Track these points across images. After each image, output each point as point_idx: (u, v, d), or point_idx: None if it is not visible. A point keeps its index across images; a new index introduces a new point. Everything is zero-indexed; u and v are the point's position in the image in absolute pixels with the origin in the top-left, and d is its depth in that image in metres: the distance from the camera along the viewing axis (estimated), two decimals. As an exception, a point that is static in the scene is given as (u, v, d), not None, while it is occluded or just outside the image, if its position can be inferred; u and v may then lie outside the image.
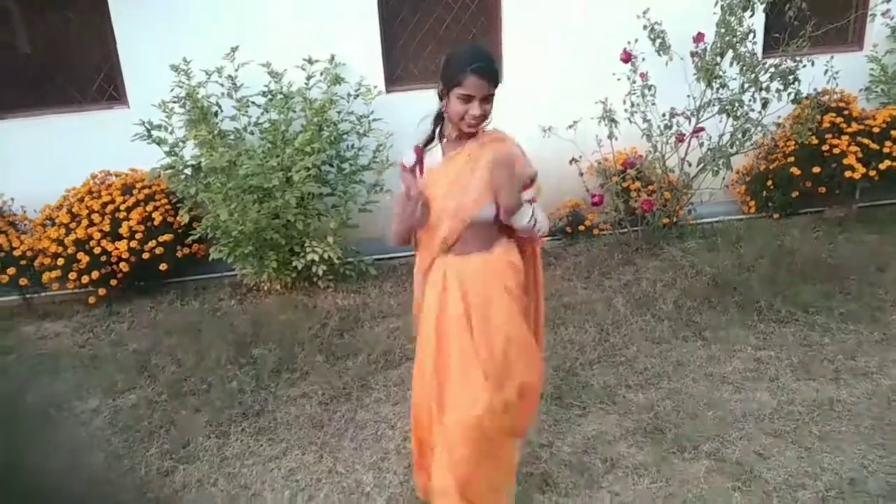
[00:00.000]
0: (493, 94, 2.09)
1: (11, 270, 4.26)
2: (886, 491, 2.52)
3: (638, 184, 4.86)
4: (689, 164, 4.70)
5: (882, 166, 4.72)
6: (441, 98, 2.15)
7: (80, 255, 4.20)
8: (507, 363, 2.18)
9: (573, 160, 4.74)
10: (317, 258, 4.25)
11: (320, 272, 4.32)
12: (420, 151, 2.22)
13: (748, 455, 2.74)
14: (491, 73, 2.06)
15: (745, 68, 4.37)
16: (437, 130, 2.24)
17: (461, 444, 2.15)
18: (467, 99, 2.06)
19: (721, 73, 4.41)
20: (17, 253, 4.32)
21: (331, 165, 4.55)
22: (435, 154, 2.22)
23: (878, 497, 2.50)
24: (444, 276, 2.22)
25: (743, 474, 2.64)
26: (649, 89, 4.50)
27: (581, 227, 5.01)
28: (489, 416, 2.14)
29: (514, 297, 2.23)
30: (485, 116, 2.11)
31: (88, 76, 4.84)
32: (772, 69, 4.37)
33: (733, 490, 2.57)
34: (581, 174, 4.87)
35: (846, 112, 4.93)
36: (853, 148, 4.76)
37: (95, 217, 4.28)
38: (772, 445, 2.79)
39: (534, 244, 2.39)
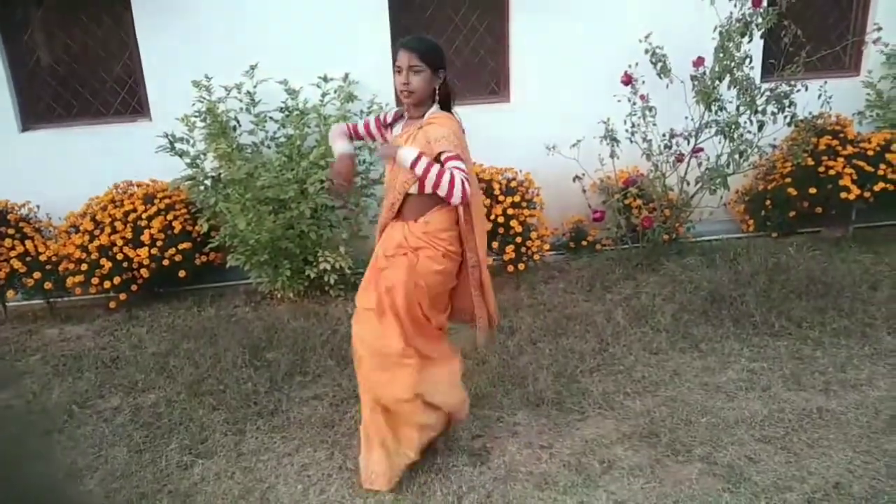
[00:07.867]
0: (422, 70, 2.51)
1: (37, 275, 4.42)
2: (870, 494, 2.65)
3: (639, 201, 5.01)
4: (688, 183, 4.87)
5: (876, 188, 4.86)
6: None
7: (103, 261, 4.37)
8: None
9: (576, 178, 4.93)
10: (329, 267, 4.42)
11: (332, 281, 4.49)
12: (397, 116, 2.81)
13: (739, 459, 2.88)
14: (413, 47, 2.51)
15: (741, 92, 4.55)
16: (404, 109, 2.75)
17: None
18: (399, 71, 2.53)
19: (719, 96, 4.59)
20: (42, 258, 4.49)
21: (343, 179, 4.73)
22: (398, 127, 2.79)
23: (862, 500, 2.63)
24: (386, 234, 2.75)
25: (733, 477, 2.78)
26: (650, 111, 4.68)
27: (584, 243, 5.17)
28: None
29: (407, 260, 2.65)
30: (410, 87, 2.52)
31: (113, 90, 5.06)
32: (767, 93, 4.54)
33: (723, 491, 2.70)
34: (584, 191, 5.05)
35: (842, 135, 5.07)
36: (848, 170, 4.89)
37: (118, 225, 4.45)
38: (761, 451, 2.93)
39: (451, 204, 2.54)
